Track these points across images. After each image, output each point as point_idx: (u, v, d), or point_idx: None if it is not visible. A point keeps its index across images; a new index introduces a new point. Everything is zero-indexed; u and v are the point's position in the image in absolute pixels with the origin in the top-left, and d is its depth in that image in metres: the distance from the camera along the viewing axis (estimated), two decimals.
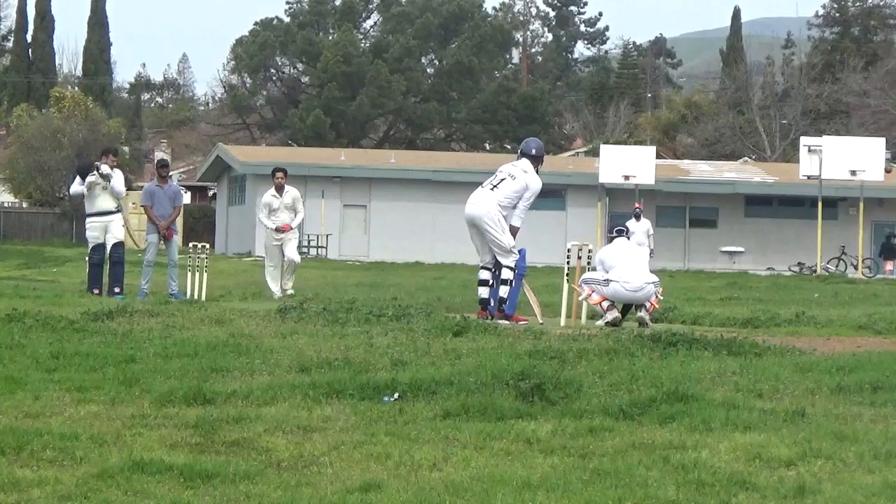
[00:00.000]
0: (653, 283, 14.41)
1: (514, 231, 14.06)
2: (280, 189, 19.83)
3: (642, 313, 14.21)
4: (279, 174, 19.91)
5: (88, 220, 19.23)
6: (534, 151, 14.31)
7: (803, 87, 76.96)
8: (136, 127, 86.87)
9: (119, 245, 19.04)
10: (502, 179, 14.02)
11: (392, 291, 24.74)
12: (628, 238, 15.21)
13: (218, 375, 9.12)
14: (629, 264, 14.40)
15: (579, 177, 53.46)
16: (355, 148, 71.73)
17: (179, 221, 21.72)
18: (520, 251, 14.06)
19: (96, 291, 18.65)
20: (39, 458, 6.64)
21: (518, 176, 14.05)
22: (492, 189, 14.03)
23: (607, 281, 14.23)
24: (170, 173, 22.16)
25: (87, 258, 19.61)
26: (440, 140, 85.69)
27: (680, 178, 55.04)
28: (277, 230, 19.83)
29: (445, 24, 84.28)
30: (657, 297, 14.59)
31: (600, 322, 14.04)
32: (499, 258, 14.00)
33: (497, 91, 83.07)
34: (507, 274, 13.93)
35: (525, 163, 14.21)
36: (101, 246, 18.99)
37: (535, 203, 14.73)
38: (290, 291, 19.62)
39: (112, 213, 19.08)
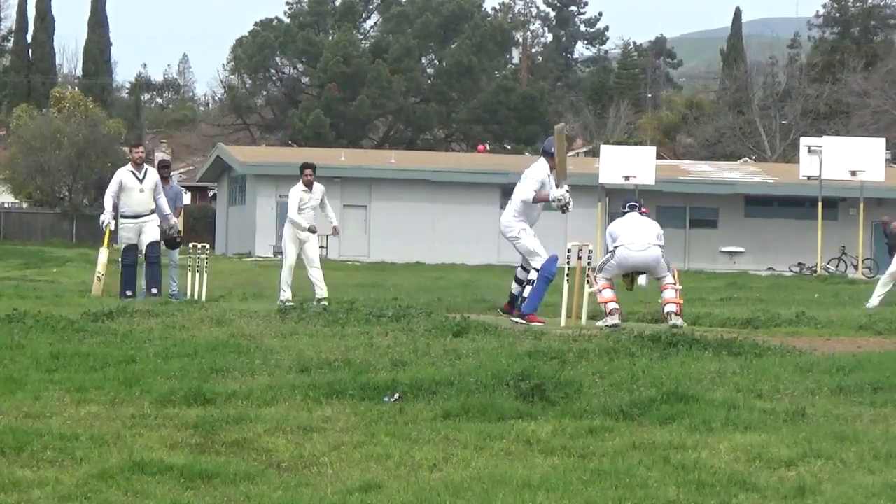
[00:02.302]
0: (659, 245, 14.46)
1: (539, 198, 14.27)
2: (310, 186, 18.51)
3: (674, 320, 14.15)
4: (308, 171, 18.48)
5: (122, 220, 18.30)
6: (553, 149, 14.51)
7: (803, 88, 76.97)
8: (136, 127, 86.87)
9: (155, 245, 18.21)
10: (513, 189, 14.44)
11: (392, 292, 24.76)
12: (640, 213, 15.10)
13: (218, 376, 9.12)
14: (635, 231, 14.50)
15: (579, 177, 53.20)
16: (355, 148, 71.74)
17: (180, 222, 21.56)
18: (551, 256, 14.26)
19: (129, 294, 17.84)
20: (40, 459, 6.64)
21: (523, 176, 14.44)
22: (510, 203, 14.46)
23: (613, 252, 14.36)
24: (171, 173, 22.00)
25: (118, 260, 18.62)
26: (440, 140, 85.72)
27: (680, 178, 55.05)
28: (310, 230, 18.20)
29: (445, 24, 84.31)
30: (676, 286, 14.60)
31: (600, 323, 14.06)
32: (527, 263, 14.28)
33: (497, 91, 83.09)
34: (533, 275, 14.21)
35: (540, 161, 14.46)
36: (134, 247, 18.20)
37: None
38: (324, 301, 17.30)
39: (147, 214, 18.24)
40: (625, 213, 15.12)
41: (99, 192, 63.48)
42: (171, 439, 7.16)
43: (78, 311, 13.38)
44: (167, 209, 18.70)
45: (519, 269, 14.61)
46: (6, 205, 66.01)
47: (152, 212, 18.34)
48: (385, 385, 8.52)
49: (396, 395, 8.32)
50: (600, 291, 14.41)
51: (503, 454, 6.92)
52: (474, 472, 6.49)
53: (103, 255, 18.89)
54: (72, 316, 12.61)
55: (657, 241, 14.60)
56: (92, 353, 9.91)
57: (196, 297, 19.04)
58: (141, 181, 18.27)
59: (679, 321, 14.17)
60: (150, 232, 18.22)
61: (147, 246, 18.13)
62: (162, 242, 18.65)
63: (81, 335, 11.24)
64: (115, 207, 18.50)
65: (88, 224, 61.37)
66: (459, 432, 7.34)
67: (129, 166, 18.51)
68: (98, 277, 18.92)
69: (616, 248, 14.50)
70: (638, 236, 14.51)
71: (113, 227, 18.48)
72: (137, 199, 18.22)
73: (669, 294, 14.57)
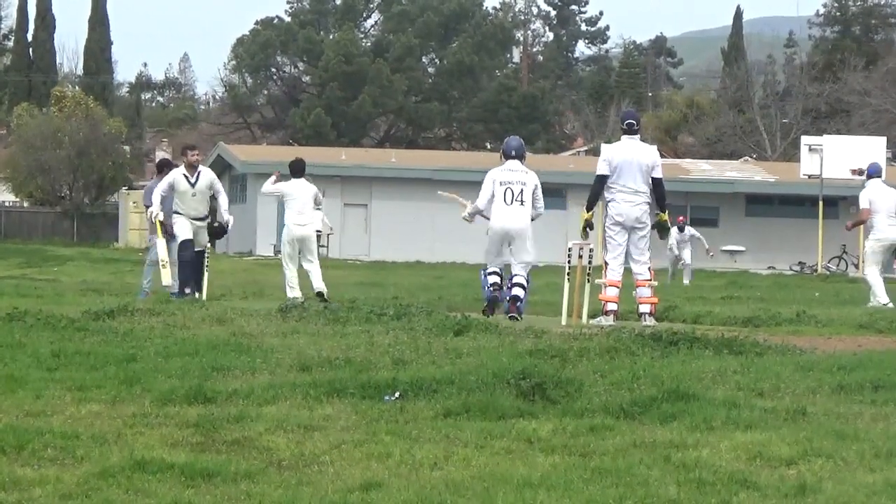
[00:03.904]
0: (647, 202, 14.17)
1: (534, 218, 14.92)
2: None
3: (647, 321, 13.91)
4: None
5: (176, 216, 17.76)
6: (514, 152, 14.98)
7: (804, 87, 76.94)
8: (136, 126, 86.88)
9: (201, 253, 17.93)
10: (521, 191, 14.64)
11: (393, 290, 24.75)
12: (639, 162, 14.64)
13: (219, 374, 9.12)
14: (628, 171, 14.14)
15: (580, 176, 53.34)
16: (356, 147, 71.75)
17: None
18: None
19: (188, 291, 17.42)
20: (40, 457, 6.64)
21: (528, 182, 14.73)
22: (523, 204, 14.64)
23: (608, 210, 14.21)
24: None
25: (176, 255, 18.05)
26: (441, 139, 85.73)
27: (681, 177, 55.02)
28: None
29: (446, 23, 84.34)
30: (652, 282, 14.33)
31: (594, 321, 13.93)
32: (523, 266, 14.57)
33: (498, 90, 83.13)
34: (523, 280, 14.57)
35: (518, 164, 14.87)
36: (191, 242, 17.64)
37: None
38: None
39: (201, 219, 17.88)
40: (623, 132, 14.63)
41: (99, 191, 63.60)
42: (172, 438, 7.16)
43: (79, 310, 13.38)
44: (225, 205, 18.24)
45: (493, 275, 14.76)
46: (7, 203, 66.04)
47: (205, 217, 17.99)
48: (386, 384, 8.51)
49: (397, 394, 8.31)
50: (605, 288, 14.23)
51: (504, 453, 6.92)
52: (475, 470, 6.49)
53: (161, 246, 18.41)
54: (72, 314, 12.61)
55: (646, 190, 14.19)
56: (93, 352, 9.91)
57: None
58: (193, 185, 17.81)
59: (652, 321, 13.84)
60: (201, 237, 17.95)
61: (195, 251, 17.82)
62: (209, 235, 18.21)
63: (82, 334, 11.23)
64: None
65: (89, 223, 61.42)
66: (460, 431, 7.34)
67: (183, 168, 18.05)
68: (163, 265, 18.47)
69: (609, 202, 14.22)
70: (631, 181, 14.15)
71: (161, 219, 18.03)
72: (190, 203, 17.78)
73: (645, 292, 14.17)
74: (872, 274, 19.04)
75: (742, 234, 54.90)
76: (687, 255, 36.35)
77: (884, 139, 45.41)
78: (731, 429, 7.38)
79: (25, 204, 65.32)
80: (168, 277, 18.03)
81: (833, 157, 41.94)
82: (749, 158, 68.47)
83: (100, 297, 17.65)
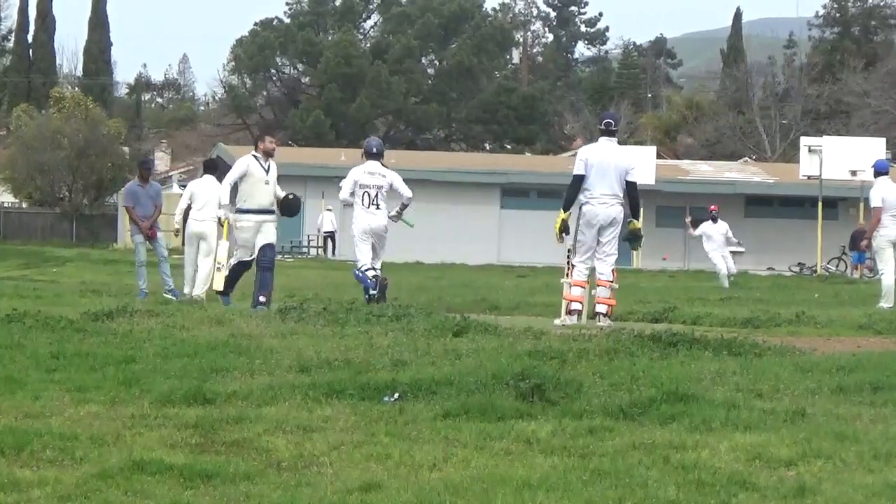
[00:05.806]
0: (620, 203, 14.08)
1: (408, 204, 16.74)
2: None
3: (602, 321, 13.73)
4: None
5: (241, 216, 16.23)
6: (374, 150, 16.61)
7: (803, 88, 77.00)
8: (136, 127, 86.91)
9: (271, 248, 16.23)
10: (377, 194, 16.32)
11: (392, 291, 24.73)
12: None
13: (218, 375, 9.12)
14: (603, 173, 14.04)
15: None
16: (355, 148, 71.74)
17: (163, 221, 21.41)
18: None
19: (262, 300, 15.83)
20: (39, 459, 6.64)
21: (384, 184, 16.36)
22: (378, 207, 16.35)
23: (581, 211, 14.09)
24: (151, 173, 21.07)
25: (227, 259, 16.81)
26: (440, 140, 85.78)
27: (680, 178, 55.04)
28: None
29: (446, 25, 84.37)
30: (613, 284, 14.23)
31: (558, 321, 13.84)
32: (378, 261, 16.51)
33: (497, 91, 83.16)
34: (378, 271, 16.51)
35: (377, 165, 16.44)
36: (248, 262, 16.39)
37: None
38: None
39: (270, 212, 16.28)
40: (601, 133, 14.53)
41: (98, 192, 63.59)
42: (171, 439, 7.15)
43: (78, 311, 13.38)
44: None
45: (371, 269, 16.30)
46: (6, 205, 66.04)
47: (273, 210, 16.45)
48: (385, 385, 8.51)
49: (396, 395, 8.31)
50: (570, 287, 14.08)
51: (503, 454, 6.92)
52: (474, 471, 6.48)
53: (223, 247, 17.46)
54: (71, 316, 12.60)
55: (621, 193, 14.12)
56: (92, 353, 9.90)
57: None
58: (267, 172, 16.24)
59: (607, 322, 13.69)
60: (268, 233, 16.24)
61: (261, 248, 16.15)
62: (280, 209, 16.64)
63: (81, 335, 11.23)
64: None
65: (88, 224, 61.42)
66: (459, 432, 7.33)
67: (255, 153, 16.32)
68: (219, 268, 17.44)
69: (583, 204, 14.16)
70: (605, 183, 14.08)
71: (231, 221, 16.68)
72: (262, 192, 16.15)
73: (604, 293, 14.06)
74: (888, 277, 18.91)
75: (741, 235, 54.81)
76: (731, 260, 32.39)
77: (883, 140, 45.43)
78: (730, 430, 7.38)
79: (24, 205, 65.33)
80: (221, 282, 16.75)
81: (832, 158, 41.95)
82: (748, 159, 68.53)
83: (99, 298, 17.65)
